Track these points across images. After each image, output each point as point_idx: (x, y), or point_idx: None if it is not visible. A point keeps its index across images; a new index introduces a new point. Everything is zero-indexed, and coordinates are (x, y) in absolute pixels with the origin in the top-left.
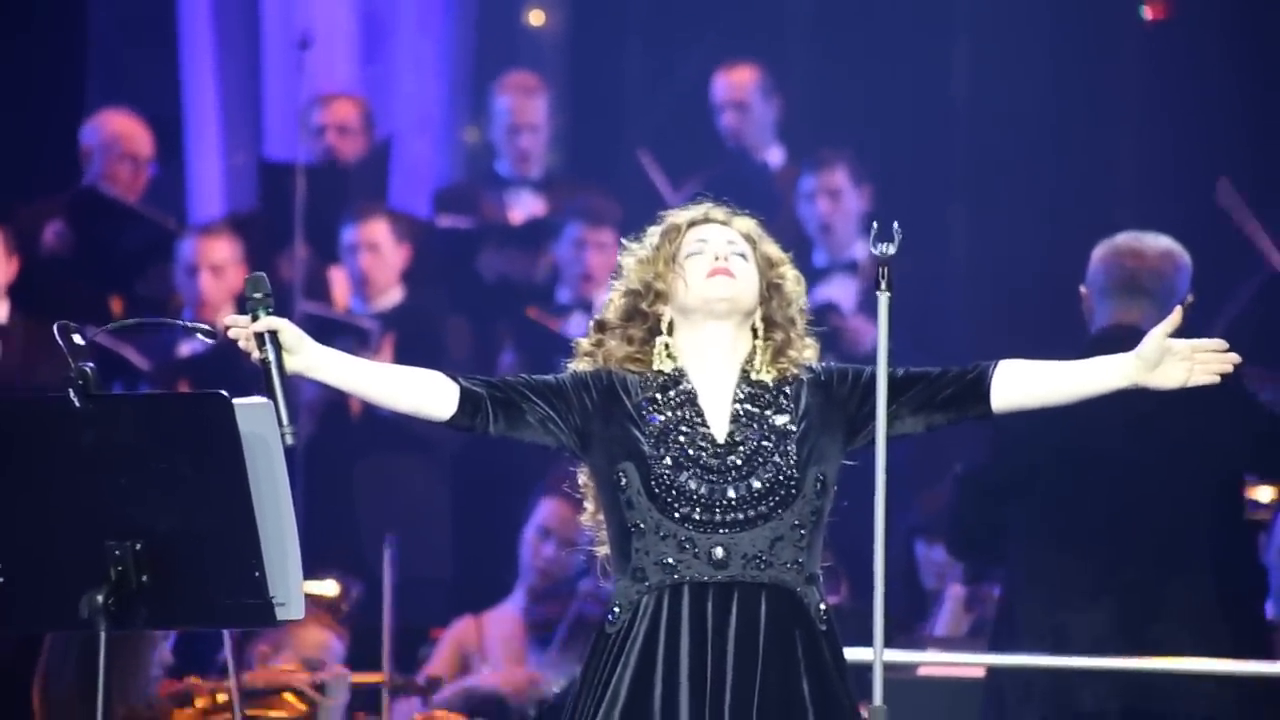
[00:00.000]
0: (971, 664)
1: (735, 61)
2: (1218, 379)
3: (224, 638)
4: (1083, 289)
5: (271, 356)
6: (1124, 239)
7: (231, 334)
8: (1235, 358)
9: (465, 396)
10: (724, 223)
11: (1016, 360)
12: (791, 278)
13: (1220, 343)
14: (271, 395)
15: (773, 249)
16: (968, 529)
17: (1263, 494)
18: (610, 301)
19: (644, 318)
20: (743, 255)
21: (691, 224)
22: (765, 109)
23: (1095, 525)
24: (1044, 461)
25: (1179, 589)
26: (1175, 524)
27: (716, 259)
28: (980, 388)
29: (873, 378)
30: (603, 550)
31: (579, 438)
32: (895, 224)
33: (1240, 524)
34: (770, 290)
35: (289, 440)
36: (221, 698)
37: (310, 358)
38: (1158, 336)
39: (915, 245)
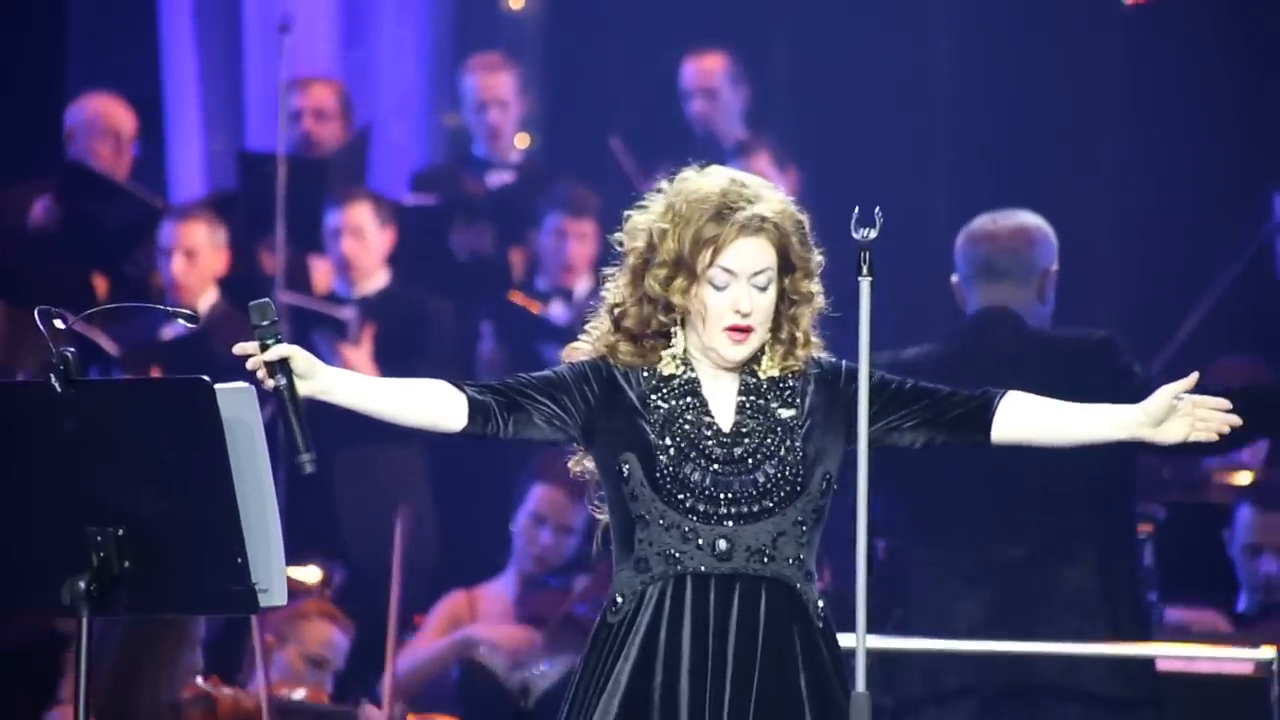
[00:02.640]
0: (957, 651)
1: (704, 48)
2: (1217, 437)
3: (255, 647)
4: (953, 278)
5: (284, 384)
6: (979, 222)
7: (249, 365)
8: (1236, 420)
9: (474, 407)
10: (759, 230)
11: (1024, 395)
12: (807, 289)
13: (1223, 402)
14: (287, 423)
15: (798, 247)
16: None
17: (1242, 478)
18: (627, 297)
19: (659, 324)
20: (764, 288)
21: (726, 234)
22: (733, 96)
23: (973, 514)
24: (918, 455)
25: (1062, 576)
26: (1052, 507)
27: (736, 312)
28: (984, 416)
29: (885, 384)
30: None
31: (583, 431)
32: (877, 209)
33: (1119, 505)
34: (786, 298)
35: (309, 468)
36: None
37: (323, 382)
38: (1167, 395)
39: (896, 236)
